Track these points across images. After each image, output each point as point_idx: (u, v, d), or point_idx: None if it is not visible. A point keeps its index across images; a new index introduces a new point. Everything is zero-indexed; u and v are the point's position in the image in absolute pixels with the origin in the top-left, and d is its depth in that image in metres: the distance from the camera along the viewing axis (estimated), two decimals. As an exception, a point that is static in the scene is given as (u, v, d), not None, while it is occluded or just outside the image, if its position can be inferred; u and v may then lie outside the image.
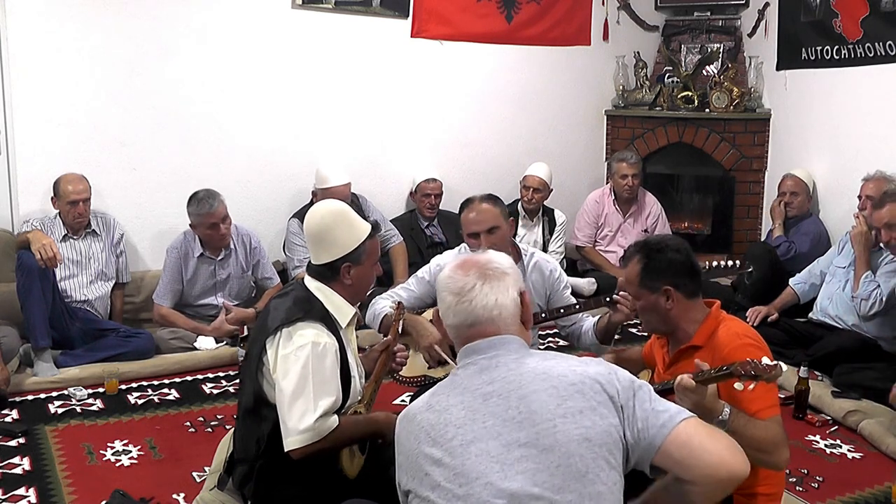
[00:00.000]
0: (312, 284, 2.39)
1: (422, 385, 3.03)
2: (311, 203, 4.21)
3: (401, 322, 2.82)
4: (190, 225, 4.32)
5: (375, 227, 2.49)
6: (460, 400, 1.59)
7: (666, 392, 1.95)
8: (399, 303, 2.99)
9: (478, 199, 3.13)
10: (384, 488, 2.16)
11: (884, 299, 3.82)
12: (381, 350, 2.63)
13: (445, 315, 1.70)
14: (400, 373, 2.96)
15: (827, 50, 5.03)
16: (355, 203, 4.84)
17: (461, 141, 5.58)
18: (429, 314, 3.11)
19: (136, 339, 4.09)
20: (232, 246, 4.40)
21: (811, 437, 3.43)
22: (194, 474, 3.00)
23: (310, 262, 2.44)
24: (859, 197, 4.21)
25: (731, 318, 2.30)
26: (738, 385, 1.92)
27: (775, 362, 1.92)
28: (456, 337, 1.70)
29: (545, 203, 5.30)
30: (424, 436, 1.58)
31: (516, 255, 3.17)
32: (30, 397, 3.70)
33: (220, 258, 4.37)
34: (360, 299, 2.50)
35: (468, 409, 1.57)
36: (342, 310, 2.38)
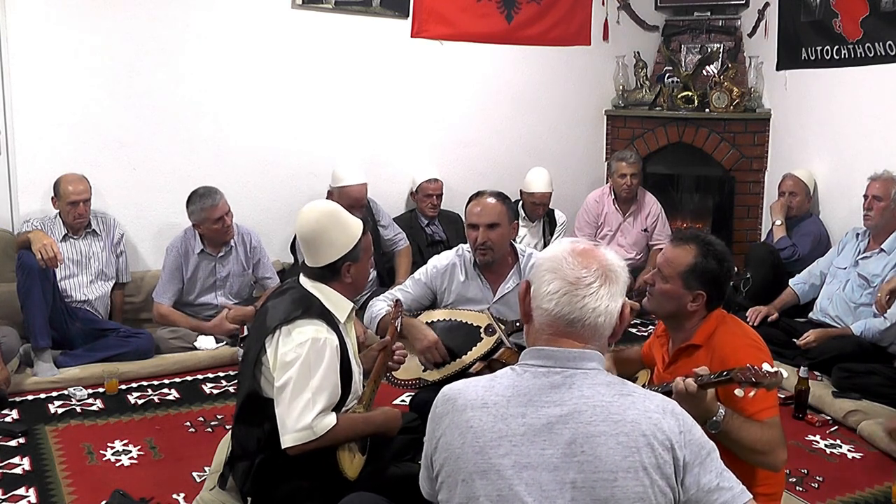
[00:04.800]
0: (308, 284, 2.39)
1: (417, 388, 3.02)
2: None
3: (399, 321, 2.82)
4: (193, 224, 4.32)
5: (365, 222, 2.49)
6: (522, 412, 1.47)
7: (666, 394, 1.95)
8: (397, 300, 2.98)
9: (487, 193, 3.17)
10: (384, 487, 2.16)
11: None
12: (379, 349, 2.62)
13: (543, 298, 1.52)
14: (395, 374, 2.95)
15: (827, 50, 5.03)
16: (368, 207, 4.83)
17: (461, 141, 5.58)
18: (426, 317, 3.10)
19: (136, 339, 4.09)
20: (232, 243, 4.40)
21: (811, 437, 3.43)
22: (194, 474, 3.00)
23: (303, 263, 2.43)
24: (865, 196, 4.19)
25: (731, 319, 2.30)
26: (738, 391, 1.93)
27: (776, 369, 1.92)
28: (543, 324, 1.53)
29: (545, 204, 5.30)
30: (472, 437, 1.47)
31: (513, 256, 3.18)
32: (30, 397, 3.70)
33: (220, 255, 4.37)
34: (359, 294, 2.50)
35: (530, 427, 1.45)
36: (340, 305, 2.38)
